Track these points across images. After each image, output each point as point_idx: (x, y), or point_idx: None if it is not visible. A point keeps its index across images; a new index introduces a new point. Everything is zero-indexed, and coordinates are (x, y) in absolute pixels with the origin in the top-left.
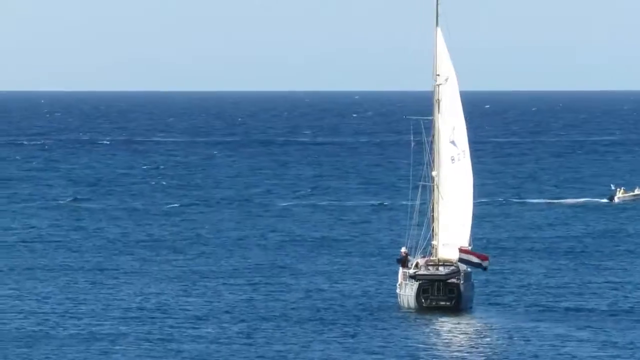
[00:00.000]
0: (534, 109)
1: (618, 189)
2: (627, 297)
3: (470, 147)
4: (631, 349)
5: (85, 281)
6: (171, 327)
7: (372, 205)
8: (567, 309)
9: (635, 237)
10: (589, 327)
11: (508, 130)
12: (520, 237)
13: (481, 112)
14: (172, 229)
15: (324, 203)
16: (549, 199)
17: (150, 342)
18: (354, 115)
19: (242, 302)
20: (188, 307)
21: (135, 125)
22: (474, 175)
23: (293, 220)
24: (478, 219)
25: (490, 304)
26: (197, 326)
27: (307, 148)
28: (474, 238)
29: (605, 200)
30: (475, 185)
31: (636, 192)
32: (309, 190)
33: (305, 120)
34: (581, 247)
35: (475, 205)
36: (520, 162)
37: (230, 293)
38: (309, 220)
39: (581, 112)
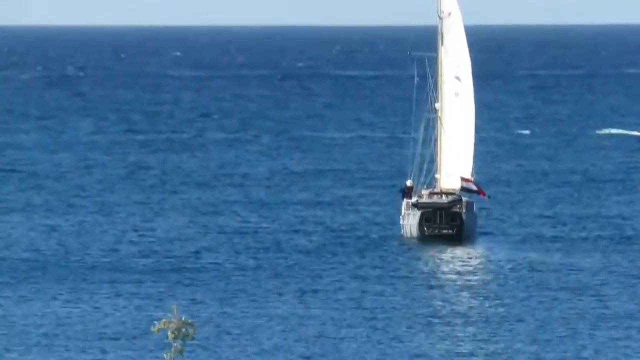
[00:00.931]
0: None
1: None
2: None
3: (474, 82)
4: (637, 277)
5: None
6: (177, 257)
7: (377, 137)
8: (573, 239)
9: None
10: (594, 256)
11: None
12: (529, 169)
13: (489, 46)
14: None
15: (328, 136)
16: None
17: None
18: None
19: (246, 234)
20: (194, 238)
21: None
22: (477, 109)
23: (298, 151)
24: (483, 153)
25: (494, 234)
26: (200, 258)
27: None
28: (477, 171)
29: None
30: (479, 118)
31: None
32: (313, 122)
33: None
34: (594, 177)
35: (481, 138)
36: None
37: (235, 223)
38: (312, 151)
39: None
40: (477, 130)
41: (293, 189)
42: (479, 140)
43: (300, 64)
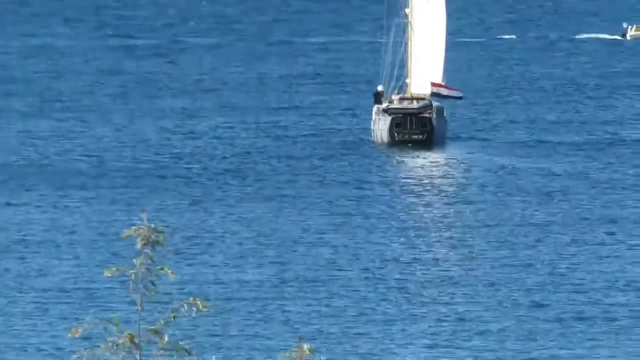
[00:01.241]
0: None
1: (630, 27)
2: (616, 130)
3: None
4: (610, 182)
5: None
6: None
7: (346, 41)
8: (549, 143)
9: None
10: (567, 161)
11: None
12: (505, 74)
13: None
14: None
15: (297, 40)
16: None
17: None
18: None
19: (219, 140)
20: (168, 145)
21: None
22: (452, 12)
23: (272, 55)
24: (458, 58)
25: (465, 139)
26: (172, 164)
27: None
28: (450, 76)
29: (617, 37)
30: (453, 22)
31: None
32: (289, 26)
33: None
34: (572, 82)
35: (456, 42)
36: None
37: (209, 129)
38: (286, 56)
39: None
40: (452, 34)
41: (267, 94)
42: (454, 45)
43: None
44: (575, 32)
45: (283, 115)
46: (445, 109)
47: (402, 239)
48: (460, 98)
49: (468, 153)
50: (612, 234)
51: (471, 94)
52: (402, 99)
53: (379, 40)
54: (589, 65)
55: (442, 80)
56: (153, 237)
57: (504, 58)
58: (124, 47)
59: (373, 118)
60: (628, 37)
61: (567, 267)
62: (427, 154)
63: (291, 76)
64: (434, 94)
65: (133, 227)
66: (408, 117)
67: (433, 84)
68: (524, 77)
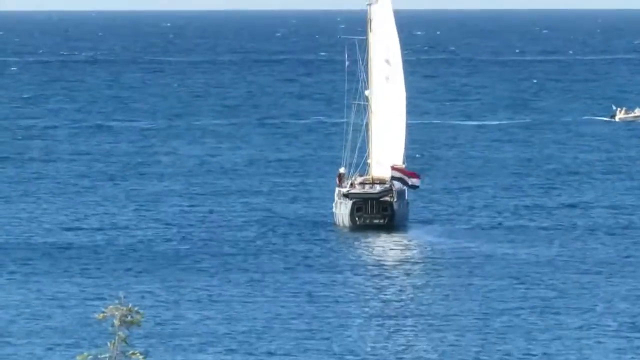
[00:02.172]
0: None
1: (619, 110)
2: (584, 215)
3: (404, 65)
4: (577, 265)
5: None
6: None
7: (307, 124)
8: (508, 228)
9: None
10: (528, 244)
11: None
12: (468, 156)
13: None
14: None
15: (255, 121)
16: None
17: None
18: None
19: (185, 223)
20: (138, 228)
21: None
22: (409, 93)
23: (234, 139)
24: (420, 140)
25: (427, 222)
26: (142, 247)
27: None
28: (415, 158)
29: (606, 119)
30: (413, 104)
31: (637, 112)
32: (242, 107)
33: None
34: (536, 165)
35: (417, 124)
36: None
37: (174, 213)
38: (250, 138)
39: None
40: (412, 115)
41: (229, 178)
42: (415, 127)
43: (239, 50)
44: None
45: (246, 199)
46: (406, 191)
47: (363, 324)
48: (416, 187)
49: (428, 236)
50: (585, 312)
51: (433, 176)
52: (363, 183)
53: (341, 121)
54: (561, 148)
55: (403, 163)
56: (129, 317)
57: (466, 140)
58: (80, 128)
59: (335, 201)
60: (617, 119)
61: (526, 346)
62: (388, 237)
63: (252, 159)
64: (395, 178)
65: (109, 307)
66: (369, 202)
67: (393, 168)
68: (487, 161)
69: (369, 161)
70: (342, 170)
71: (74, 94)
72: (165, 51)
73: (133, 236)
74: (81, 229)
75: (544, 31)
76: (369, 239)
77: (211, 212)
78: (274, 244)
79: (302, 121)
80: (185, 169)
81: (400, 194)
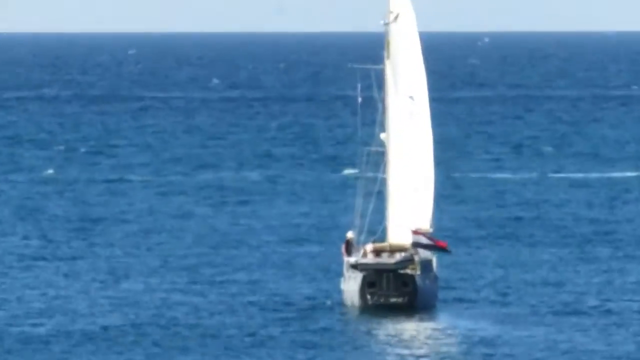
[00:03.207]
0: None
1: None
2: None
3: (431, 105)
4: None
5: None
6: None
7: (308, 179)
8: (556, 312)
9: None
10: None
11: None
12: (511, 216)
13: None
14: None
15: (249, 173)
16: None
17: None
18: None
19: (178, 301)
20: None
21: None
22: (439, 136)
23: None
24: (445, 196)
25: (462, 301)
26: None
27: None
28: (440, 221)
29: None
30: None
31: None
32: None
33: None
34: (582, 231)
35: (446, 177)
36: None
37: (167, 288)
38: (227, 196)
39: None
40: (440, 165)
41: (223, 250)
42: (443, 180)
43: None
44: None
45: (229, 273)
46: (434, 263)
47: None
48: (447, 251)
49: (463, 320)
50: None
51: (471, 241)
52: (376, 251)
53: (349, 173)
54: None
55: (430, 226)
56: None
57: (508, 195)
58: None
59: (343, 275)
60: None
61: None
62: (409, 323)
63: (244, 230)
64: (419, 245)
65: None
66: (384, 275)
67: (414, 232)
68: (533, 220)
69: (386, 224)
70: (350, 234)
71: None
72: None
73: (93, 323)
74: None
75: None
76: (384, 325)
77: (188, 291)
78: (264, 335)
79: (302, 174)
80: (167, 232)
81: (426, 265)
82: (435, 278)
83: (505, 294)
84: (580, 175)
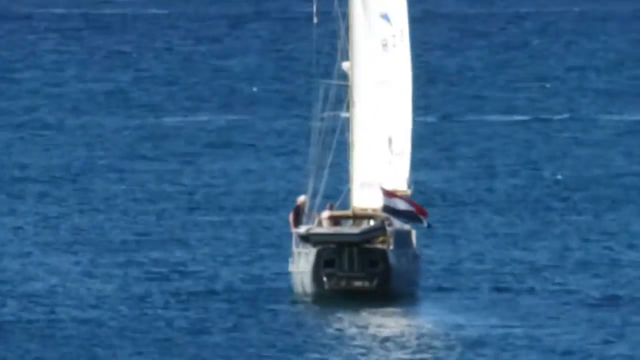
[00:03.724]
0: None
1: None
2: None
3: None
4: None
5: None
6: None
7: (245, 122)
8: (550, 291)
9: None
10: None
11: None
12: (522, 174)
13: None
14: None
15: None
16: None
17: None
18: None
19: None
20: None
21: None
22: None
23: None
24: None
25: (447, 288)
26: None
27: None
28: (419, 181)
29: None
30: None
31: None
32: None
33: None
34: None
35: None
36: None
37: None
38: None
39: None
40: (419, 110)
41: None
42: (427, 126)
43: None
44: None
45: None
46: (414, 236)
47: None
48: (428, 226)
49: (453, 315)
50: None
51: (458, 209)
52: (335, 218)
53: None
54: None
55: (408, 186)
56: None
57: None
58: None
59: (292, 251)
60: None
61: None
62: (379, 317)
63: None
64: (389, 210)
65: None
66: (345, 250)
67: (386, 192)
68: (535, 181)
69: (349, 184)
70: (301, 199)
71: None
72: None
73: None
74: None
75: None
76: (343, 318)
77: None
78: (191, 335)
79: (235, 117)
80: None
81: (402, 238)
82: (415, 256)
83: (506, 279)
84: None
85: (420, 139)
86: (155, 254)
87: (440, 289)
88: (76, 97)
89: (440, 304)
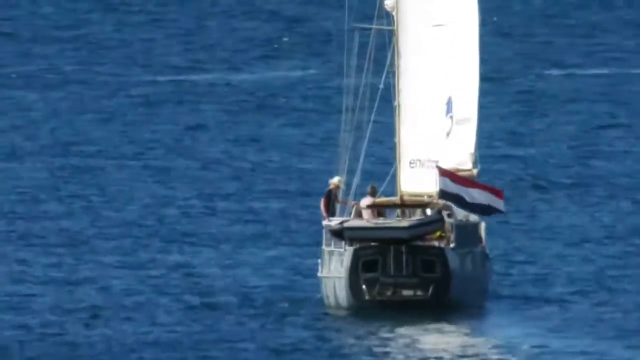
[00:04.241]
0: None
1: None
2: None
3: None
4: None
5: None
6: None
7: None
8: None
9: None
10: None
11: None
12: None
13: None
14: None
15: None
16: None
17: None
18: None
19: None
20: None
21: None
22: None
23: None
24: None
25: (522, 297)
26: None
27: None
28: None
29: None
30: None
31: None
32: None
33: None
34: None
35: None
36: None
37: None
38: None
39: None
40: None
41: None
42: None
43: None
44: None
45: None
46: (483, 229)
47: None
48: (500, 212)
49: (533, 333)
50: None
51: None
52: (375, 207)
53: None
54: None
55: (474, 163)
56: None
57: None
58: None
59: (322, 252)
60: None
61: None
62: (436, 336)
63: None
64: (449, 196)
65: None
66: (391, 250)
67: (443, 172)
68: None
69: (395, 163)
70: (335, 181)
71: None
72: None
73: None
74: None
75: None
76: (390, 343)
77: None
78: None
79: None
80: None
81: (468, 232)
82: (484, 256)
83: (597, 287)
84: None
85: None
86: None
87: (514, 298)
88: None
89: (516, 319)
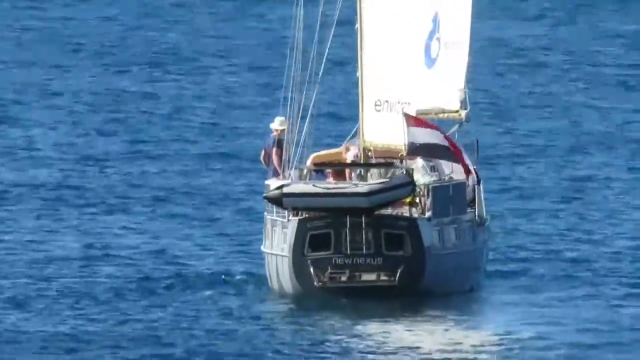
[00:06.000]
0: None
1: None
2: None
3: None
4: None
5: None
6: None
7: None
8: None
9: None
10: None
11: None
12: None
13: None
14: None
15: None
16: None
17: None
18: None
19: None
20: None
21: None
22: None
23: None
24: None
25: (509, 276)
26: None
27: None
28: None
29: None
30: None
31: None
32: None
33: None
34: None
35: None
36: None
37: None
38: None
39: None
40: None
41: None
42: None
43: None
44: None
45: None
46: (476, 188)
47: None
48: (478, 181)
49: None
50: None
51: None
52: (327, 165)
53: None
54: None
55: (462, 102)
56: None
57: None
58: None
59: (265, 223)
60: None
61: None
62: (403, 333)
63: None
64: (419, 149)
65: None
66: (347, 221)
67: (411, 119)
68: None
69: (359, 107)
70: (276, 124)
71: None
72: None
73: None
74: None
75: None
76: (344, 340)
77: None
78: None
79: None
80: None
81: (448, 195)
82: (477, 226)
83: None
84: None
85: None
86: None
87: (505, 275)
88: None
89: (511, 308)
